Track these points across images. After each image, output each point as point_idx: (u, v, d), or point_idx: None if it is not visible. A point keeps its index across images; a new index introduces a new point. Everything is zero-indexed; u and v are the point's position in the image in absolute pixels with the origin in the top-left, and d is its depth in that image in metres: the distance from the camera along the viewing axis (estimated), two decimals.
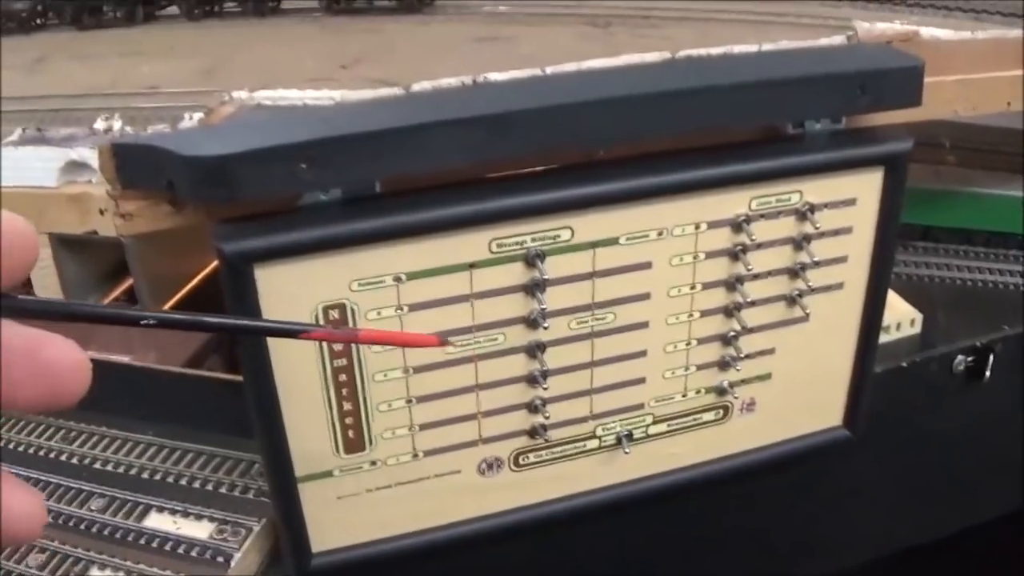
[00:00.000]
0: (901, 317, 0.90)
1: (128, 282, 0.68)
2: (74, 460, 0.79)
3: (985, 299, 0.98)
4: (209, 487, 0.76)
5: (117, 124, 0.67)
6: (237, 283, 0.59)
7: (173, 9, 1.01)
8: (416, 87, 0.68)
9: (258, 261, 0.59)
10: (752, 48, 0.73)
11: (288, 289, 0.61)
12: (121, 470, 0.78)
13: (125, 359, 0.93)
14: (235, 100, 0.69)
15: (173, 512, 0.74)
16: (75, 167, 0.64)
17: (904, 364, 0.87)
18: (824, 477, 0.89)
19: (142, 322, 0.45)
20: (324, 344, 0.63)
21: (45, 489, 0.76)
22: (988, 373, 0.89)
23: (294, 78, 0.72)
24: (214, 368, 0.89)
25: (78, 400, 0.39)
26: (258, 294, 0.60)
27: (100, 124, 0.67)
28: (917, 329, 0.91)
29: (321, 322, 0.62)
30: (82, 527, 0.73)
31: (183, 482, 0.77)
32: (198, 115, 0.66)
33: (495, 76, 0.69)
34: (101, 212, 0.63)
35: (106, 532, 0.72)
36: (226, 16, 0.97)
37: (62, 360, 0.38)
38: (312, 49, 0.82)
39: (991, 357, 0.89)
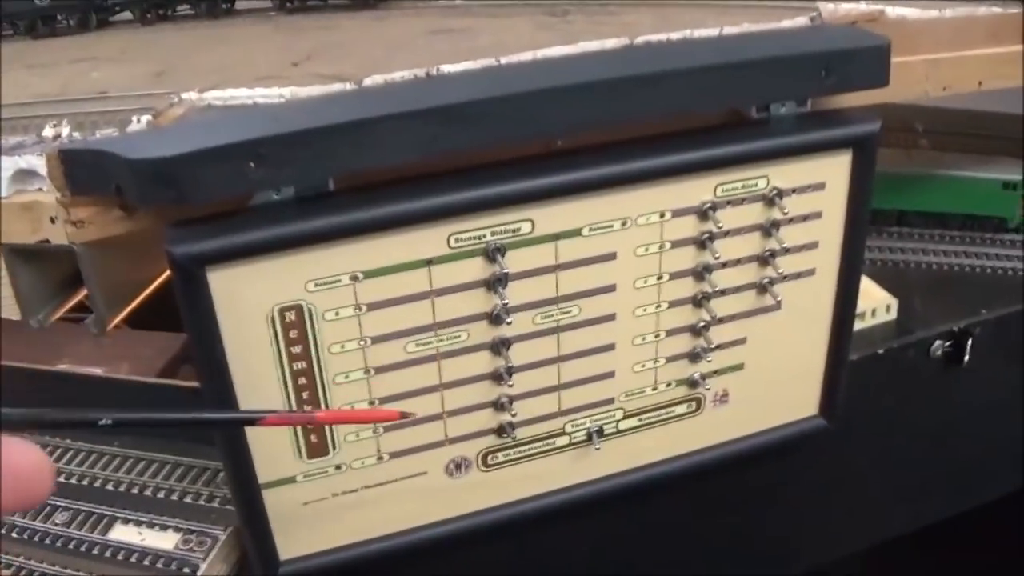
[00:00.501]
0: (876, 303, 0.89)
1: (83, 291, 0.66)
2: None
3: (962, 283, 0.97)
4: (174, 497, 0.75)
5: (65, 130, 0.66)
6: (189, 287, 0.58)
7: (127, 15, 1.00)
8: (368, 81, 0.67)
9: (210, 264, 0.58)
10: (713, 32, 0.72)
11: (242, 292, 0.59)
12: (86, 482, 0.77)
13: (98, 371, 0.92)
14: (184, 101, 0.68)
15: (138, 523, 0.73)
16: (24, 175, 0.63)
17: (880, 351, 0.86)
18: (803, 468, 0.88)
19: (100, 423, 0.46)
20: (283, 346, 0.62)
21: None
22: (967, 358, 0.88)
23: (245, 77, 0.70)
24: (188, 376, 0.88)
25: (44, 501, 0.41)
26: (212, 298, 0.58)
27: (48, 131, 0.66)
28: (893, 315, 0.90)
29: (278, 326, 0.61)
30: (47, 541, 0.72)
31: (148, 492, 0.76)
32: (146, 118, 0.65)
33: (449, 68, 0.67)
34: (52, 220, 0.62)
35: (71, 546, 0.71)
36: (179, 19, 0.96)
37: (26, 464, 0.39)
38: (264, 48, 0.81)
39: (969, 341, 0.88)
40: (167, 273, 0.73)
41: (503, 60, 0.68)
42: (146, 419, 0.58)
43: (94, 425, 0.47)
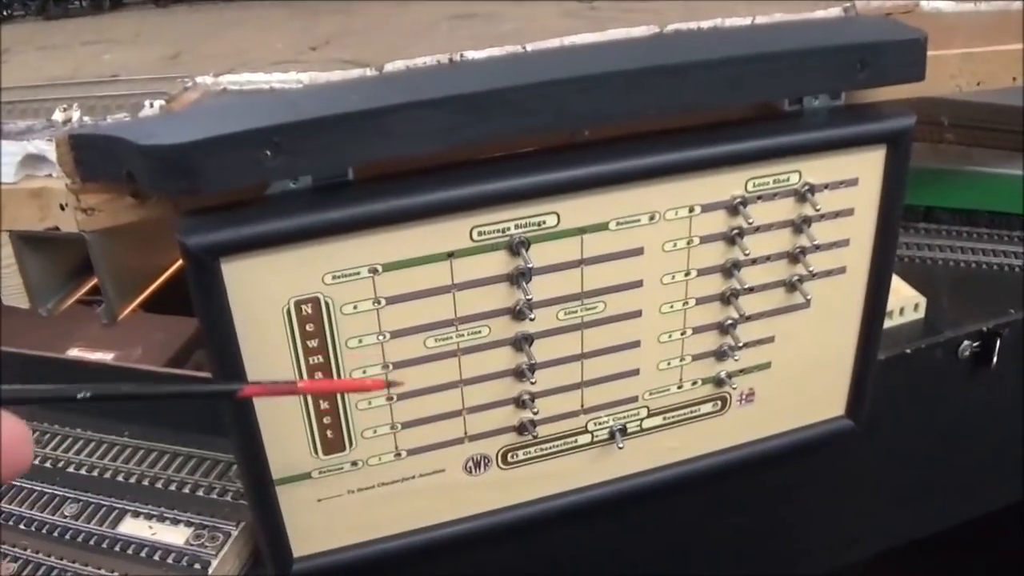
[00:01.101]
0: (904, 302, 0.87)
1: (95, 279, 0.65)
2: (47, 464, 0.77)
3: (989, 282, 0.95)
4: (186, 490, 0.74)
5: (76, 114, 0.64)
6: (203, 279, 0.56)
7: None
8: (389, 67, 0.65)
9: (224, 255, 0.56)
10: (745, 21, 0.70)
11: (258, 284, 0.58)
12: (95, 473, 0.76)
13: (107, 357, 0.91)
14: (199, 86, 0.66)
15: (149, 517, 0.72)
16: (33, 160, 0.62)
17: (908, 350, 0.84)
18: (827, 469, 0.86)
19: (79, 396, 0.46)
20: (299, 340, 0.60)
21: (17, 495, 0.74)
22: (995, 359, 0.87)
23: (261, 62, 0.69)
24: (201, 363, 0.87)
25: (24, 472, 0.40)
26: (226, 290, 0.57)
27: (58, 115, 0.65)
28: (921, 314, 0.88)
29: (294, 319, 0.59)
30: (55, 534, 0.71)
31: (159, 485, 0.75)
32: (159, 102, 0.64)
33: (473, 55, 0.66)
34: (62, 207, 0.60)
35: (80, 539, 0.70)
36: (194, 1, 0.95)
37: (7, 436, 0.39)
38: (281, 31, 0.80)
39: (998, 342, 0.86)
40: (180, 261, 0.72)
41: (529, 47, 0.67)
42: (126, 393, 0.57)
43: (74, 399, 0.46)
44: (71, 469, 0.77)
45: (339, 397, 0.63)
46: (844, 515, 0.94)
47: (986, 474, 0.98)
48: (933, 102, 1.10)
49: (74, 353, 0.92)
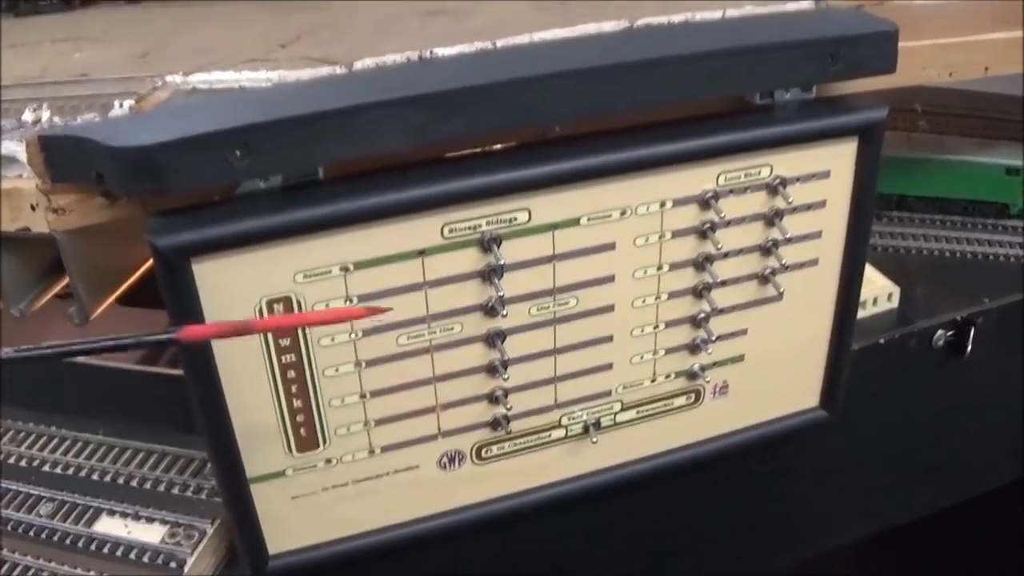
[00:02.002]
0: (878, 292, 0.88)
1: (67, 278, 0.65)
2: (22, 463, 0.77)
3: (963, 270, 0.96)
4: (161, 488, 0.74)
5: (46, 115, 0.64)
6: (174, 279, 0.56)
7: None
8: (359, 65, 0.65)
9: (195, 255, 0.56)
10: (715, 14, 0.70)
11: (229, 284, 0.58)
12: (70, 472, 0.76)
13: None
14: (168, 85, 0.66)
15: (124, 515, 0.72)
16: (3, 161, 0.62)
17: (882, 341, 0.85)
18: (801, 459, 0.87)
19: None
20: (271, 340, 0.60)
21: None
22: (969, 348, 0.87)
23: (231, 59, 0.68)
24: (176, 359, 0.86)
25: None
26: (197, 291, 0.57)
27: (28, 115, 0.64)
28: (894, 304, 0.88)
29: (266, 317, 0.59)
30: (30, 534, 0.70)
31: (134, 483, 0.74)
32: (128, 102, 0.63)
33: (443, 51, 0.66)
34: (33, 207, 0.60)
35: (55, 538, 0.70)
36: None
37: None
38: (252, 28, 0.79)
39: (972, 331, 0.87)
40: (151, 261, 0.72)
41: (499, 43, 0.66)
42: (52, 353, 0.56)
43: None
44: (46, 468, 0.76)
45: (312, 397, 0.63)
46: (821, 505, 0.94)
47: (961, 463, 0.99)
48: (906, 89, 1.10)
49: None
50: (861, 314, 0.83)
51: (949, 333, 0.87)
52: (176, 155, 0.53)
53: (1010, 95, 1.14)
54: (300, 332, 0.61)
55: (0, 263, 0.66)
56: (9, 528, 0.71)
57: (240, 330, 0.54)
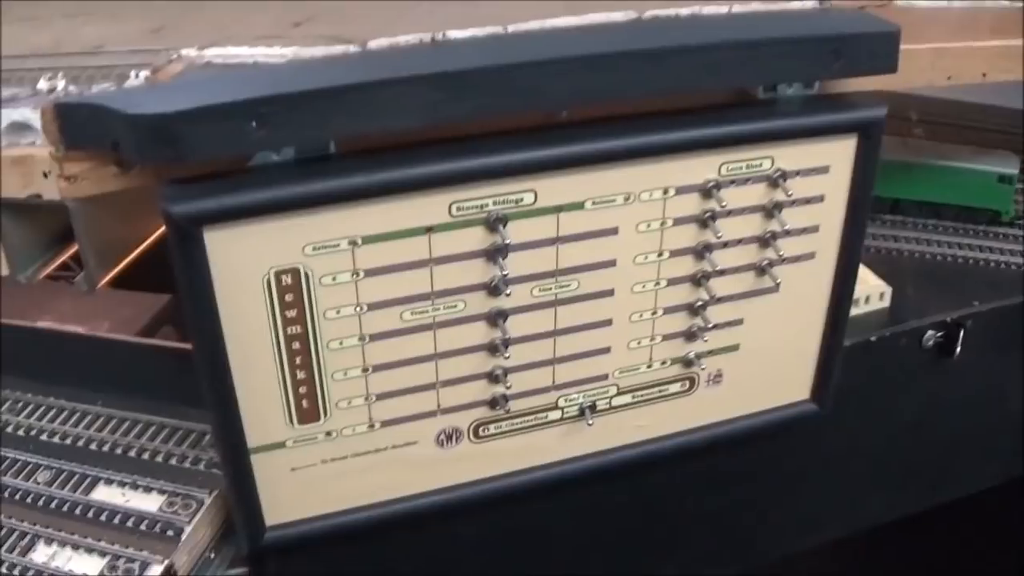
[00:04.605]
0: (871, 290, 0.89)
1: (75, 247, 0.66)
2: (20, 432, 0.78)
3: (955, 274, 0.97)
4: (159, 458, 0.74)
5: (61, 84, 0.65)
6: (185, 247, 0.57)
7: None
8: (373, 44, 0.66)
9: (207, 224, 0.57)
10: (722, 9, 0.72)
11: (239, 253, 0.58)
12: (68, 441, 0.77)
13: (79, 329, 0.91)
14: (183, 58, 0.67)
15: (122, 484, 0.72)
16: (18, 128, 0.62)
17: (873, 338, 0.86)
18: (793, 453, 0.87)
19: None
20: (278, 310, 0.61)
21: None
22: (958, 349, 0.88)
23: (245, 36, 0.69)
24: (168, 338, 0.87)
25: None
26: (208, 259, 0.58)
27: (43, 84, 0.65)
28: (886, 303, 0.89)
29: (274, 288, 0.60)
30: (28, 500, 0.71)
31: (132, 453, 0.75)
32: (144, 73, 0.64)
33: (455, 34, 0.67)
34: (45, 175, 0.61)
35: (53, 505, 0.70)
36: None
37: None
38: (265, 6, 0.80)
39: (961, 333, 0.88)
40: (156, 232, 0.72)
41: (510, 28, 0.67)
42: None
43: None
44: (44, 437, 0.77)
45: (315, 369, 0.64)
46: (809, 499, 0.95)
47: (947, 464, 1.00)
48: (903, 97, 1.11)
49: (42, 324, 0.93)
50: (854, 312, 0.83)
51: (939, 334, 0.88)
52: (193, 124, 0.54)
53: (1004, 107, 1.15)
54: (306, 303, 0.61)
55: (8, 229, 0.67)
56: (7, 495, 0.71)
57: None
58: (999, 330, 0.90)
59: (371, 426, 0.68)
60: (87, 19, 0.82)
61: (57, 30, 0.79)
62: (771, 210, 0.69)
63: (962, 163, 1.03)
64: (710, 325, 0.72)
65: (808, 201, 0.70)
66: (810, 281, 0.74)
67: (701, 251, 0.69)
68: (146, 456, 0.75)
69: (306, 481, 0.68)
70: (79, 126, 0.58)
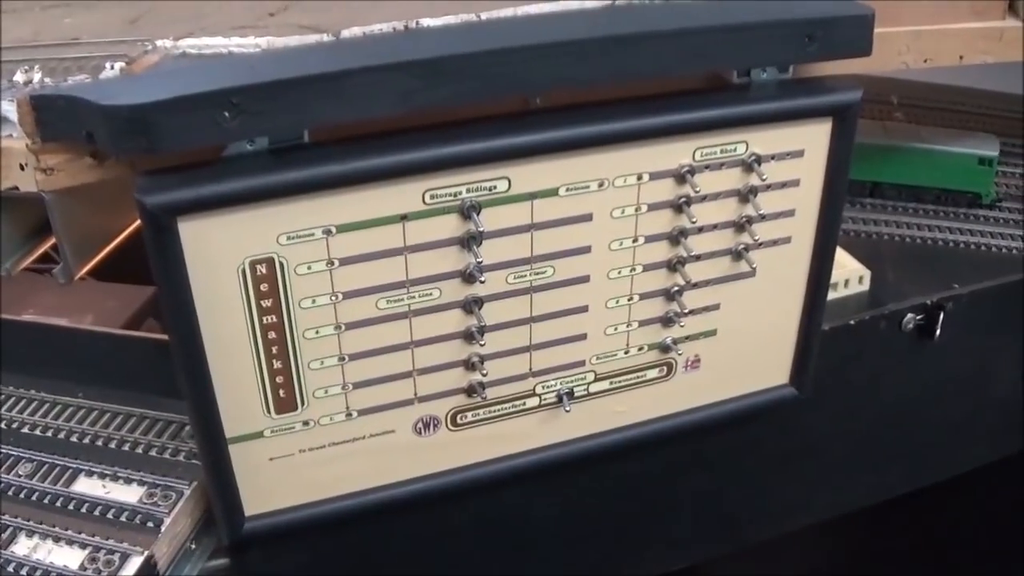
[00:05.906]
0: (850, 274, 0.89)
1: (52, 240, 0.66)
2: (1, 424, 0.77)
3: (934, 257, 0.97)
4: (139, 450, 0.75)
5: (37, 76, 0.65)
6: (160, 238, 0.57)
7: None
8: (346, 33, 0.66)
9: (181, 214, 0.57)
10: None
11: (214, 243, 0.58)
12: (49, 434, 0.77)
13: (62, 322, 0.91)
14: (159, 49, 0.67)
15: (102, 476, 0.72)
16: None
17: (852, 322, 0.86)
18: (770, 436, 0.88)
19: None
20: (253, 300, 0.61)
21: None
22: (938, 332, 0.88)
23: (220, 26, 0.69)
24: (152, 330, 0.87)
25: None
26: (183, 250, 0.58)
27: (19, 76, 0.65)
28: (865, 286, 0.90)
29: (249, 278, 0.60)
30: (9, 493, 0.71)
31: (112, 445, 0.75)
32: (119, 65, 0.64)
33: (428, 22, 0.67)
34: (22, 167, 0.61)
35: (34, 498, 0.71)
36: None
37: None
38: None
39: (941, 316, 0.88)
40: (135, 224, 0.72)
41: (483, 15, 0.67)
42: None
43: None
44: (25, 430, 0.77)
45: (291, 359, 0.64)
46: (792, 482, 0.95)
47: (928, 446, 1.00)
48: (883, 81, 1.12)
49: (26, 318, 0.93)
50: (833, 296, 0.84)
51: (919, 317, 0.88)
52: (167, 114, 0.54)
53: (983, 89, 1.16)
54: (282, 293, 0.61)
55: None
56: None
57: None
58: (979, 312, 0.91)
59: (348, 415, 0.68)
60: (66, 10, 0.82)
61: (36, 21, 0.79)
62: (746, 195, 0.69)
63: (942, 146, 1.03)
64: (687, 311, 0.72)
65: (783, 185, 0.70)
66: (787, 265, 0.74)
67: (676, 236, 0.69)
68: (126, 448, 0.75)
69: (285, 471, 0.68)
70: (55, 118, 0.58)
